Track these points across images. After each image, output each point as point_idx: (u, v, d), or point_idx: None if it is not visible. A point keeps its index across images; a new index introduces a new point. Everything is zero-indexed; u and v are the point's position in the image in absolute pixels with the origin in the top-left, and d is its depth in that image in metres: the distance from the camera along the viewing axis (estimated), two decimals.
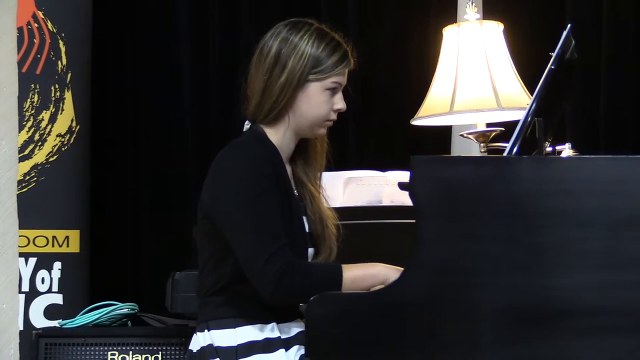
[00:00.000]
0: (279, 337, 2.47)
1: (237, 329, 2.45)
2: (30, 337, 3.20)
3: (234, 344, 2.44)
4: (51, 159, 4.19)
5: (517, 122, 2.40)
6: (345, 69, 2.57)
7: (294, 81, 2.52)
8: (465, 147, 4.23)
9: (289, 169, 2.61)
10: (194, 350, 2.52)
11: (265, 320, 2.46)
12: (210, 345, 2.47)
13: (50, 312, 4.11)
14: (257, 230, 2.39)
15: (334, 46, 2.55)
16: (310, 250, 2.59)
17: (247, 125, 2.61)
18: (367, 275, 2.38)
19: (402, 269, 2.37)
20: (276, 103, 2.53)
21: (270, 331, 2.46)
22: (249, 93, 2.59)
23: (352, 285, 2.37)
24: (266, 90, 2.54)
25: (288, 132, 2.58)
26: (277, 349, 2.45)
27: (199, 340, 2.51)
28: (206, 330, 2.49)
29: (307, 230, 2.58)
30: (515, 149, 2.29)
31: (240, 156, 2.47)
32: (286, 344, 2.47)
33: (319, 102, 2.54)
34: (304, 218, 2.59)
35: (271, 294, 2.37)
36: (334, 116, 2.59)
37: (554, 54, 2.48)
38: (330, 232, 2.62)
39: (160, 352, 3.17)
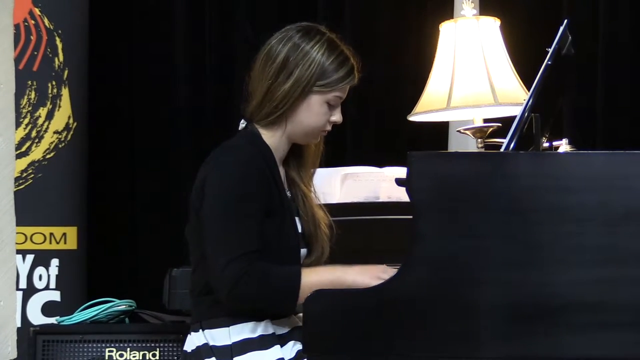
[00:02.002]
0: (274, 333, 2.47)
1: (231, 327, 2.45)
2: (27, 334, 3.19)
3: (229, 342, 2.44)
4: (48, 156, 4.19)
5: (514, 117, 2.41)
6: (348, 85, 2.57)
7: (298, 90, 2.51)
8: (462, 143, 4.23)
9: (282, 170, 2.61)
10: (189, 351, 2.52)
11: (259, 318, 2.46)
12: (206, 345, 2.47)
13: (48, 309, 4.11)
14: (226, 233, 2.40)
15: (342, 60, 2.55)
16: (303, 251, 2.59)
17: (242, 124, 2.61)
18: (325, 281, 2.35)
19: (362, 266, 2.40)
20: (276, 108, 2.53)
21: (265, 328, 2.46)
22: (251, 91, 2.59)
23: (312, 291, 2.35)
24: (268, 93, 2.53)
25: (284, 136, 2.58)
26: (272, 346, 2.44)
27: (194, 340, 2.51)
28: (200, 330, 2.49)
29: (299, 230, 2.58)
30: (512, 145, 2.29)
31: (230, 159, 2.47)
32: (281, 340, 2.47)
33: (318, 113, 2.55)
34: (297, 219, 2.59)
35: (226, 297, 2.38)
36: (329, 127, 2.60)
37: (550, 50, 2.48)
38: (323, 233, 2.62)
39: (157, 349, 3.17)
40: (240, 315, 2.45)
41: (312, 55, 2.51)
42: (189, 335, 2.54)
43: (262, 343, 2.44)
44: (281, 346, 2.45)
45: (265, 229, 2.45)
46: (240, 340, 2.44)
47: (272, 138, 2.57)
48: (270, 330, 2.46)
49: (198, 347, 2.48)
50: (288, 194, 2.61)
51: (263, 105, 2.54)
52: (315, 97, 2.53)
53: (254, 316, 2.45)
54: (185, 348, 2.55)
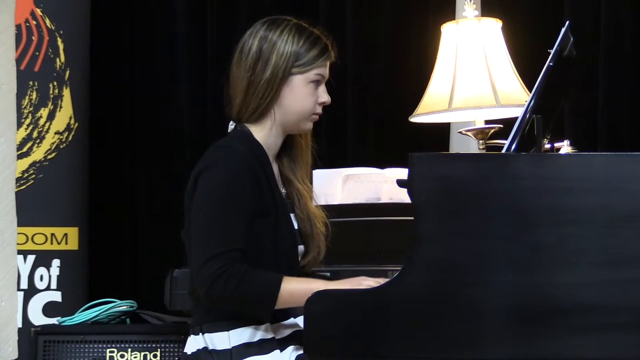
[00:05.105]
0: (274, 337, 2.46)
1: (230, 331, 2.45)
2: (29, 335, 3.20)
3: (228, 346, 2.44)
4: (49, 157, 4.19)
5: (515, 119, 2.40)
6: (326, 61, 2.58)
7: (279, 75, 2.52)
8: (464, 144, 4.23)
9: (275, 167, 2.61)
10: (189, 353, 2.51)
11: (258, 321, 2.46)
12: (205, 348, 2.47)
13: (49, 309, 4.11)
14: (210, 231, 2.40)
15: (314, 40, 2.56)
16: (301, 248, 2.59)
17: (231, 125, 2.61)
18: (306, 290, 2.28)
19: (345, 279, 2.42)
20: (262, 99, 2.54)
21: (264, 332, 2.46)
22: (232, 93, 2.59)
23: (290, 299, 2.36)
24: (250, 87, 2.54)
25: (274, 128, 2.57)
26: (272, 350, 2.44)
27: (194, 343, 2.50)
28: (200, 334, 2.48)
29: (295, 227, 2.58)
30: (513, 146, 2.29)
31: (220, 159, 2.47)
32: (281, 344, 2.46)
33: (304, 95, 2.55)
34: (292, 216, 2.59)
35: (205, 293, 2.38)
36: (319, 109, 2.60)
37: (552, 51, 2.48)
38: (319, 231, 2.62)
39: (158, 349, 3.17)
40: (240, 320, 2.44)
41: (283, 40, 2.54)
42: (189, 337, 2.53)
43: (262, 348, 2.44)
44: (281, 351, 2.45)
45: (259, 228, 2.45)
46: (240, 345, 2.44)
47: (262, 132, 2.57)
48: (270, 335, 2.46)
49: (198, 350, 2.48)
50: (283, 190, 2.60)
51: (248, 100, 2.55)
52: (297, 78, 2.54)
53: (253, 320, 2.45)
54: (185, 350, 2.54)
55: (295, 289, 2.34)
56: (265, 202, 2.47)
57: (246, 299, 2.38)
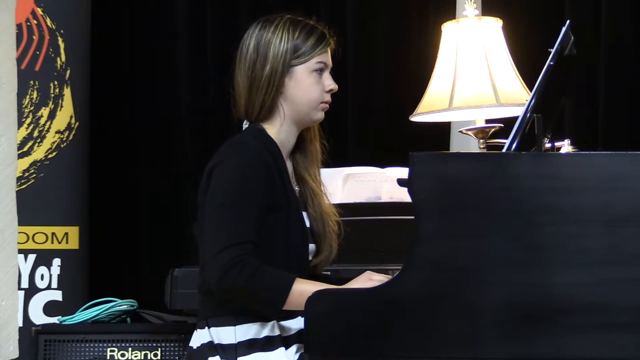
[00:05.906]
0: (279, 335, 2.46)
1: (237, 326, 2.45)
2: (29, 334, 3.20)
3: (234, 341, 2.44)
4: (50, 156, 4.20)
5: (516, 118, 2.40)
6: (326, 48, 2.59)
7: (279, 69, 2.53)
8: (464, 144, 4.23)
9: (289, 165, 2.61)
10: (194, 347, 2.51)
11: (265, 318, 2.46)
12: (211, 342, 2.47)
13: (50, 308, 4.11)
14: (224, 223, 2.39)
15: (309, 30, 2.58)
16: (312, 246, 2.59)
17: (245, 124, 2.62)
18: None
19: (354, 283, 2.42)
20: (267, 95, 2.54)
21: (271, 329, 2.46)
22: (237, 98, 2.60)
23: (300, 299, 2.31)
24: (253, 85, 2.55)
25: (285, 124, 2.58)
26: (277, 347, 2.44)
27: (200, 337, 2.50)
28: (206, 328, 2.49)
29: (307, 225, 2.58)
30: (514, 146, 2.29)
31: (235, 154, 2.48)
32: (286, 342, 2.46)
33: (309, 84, 2.56)
34: (305, 214, 2.59)
35: (215, 284, 2.37)
36: (327, 97, 2.60)
37: (552, 50, 2.48)
38: (331, 230, 2.61)
39: (159, 349, 3.17)
40: (247, 315, 2.45)
41: (278, 35, 2.55)
42: (195, 331, 2.54)
43: (267, 344, 2.44)
44: (286, 348, 2.45)
45: (271, 223, 2.45)
46: (246, 341, 2.44)
47: (274, 129, 2.58)
48: (276, 332, 2.46)
49: (203, 345, 2.48)
50: (296, 188, 2.61)
51: (253, 99, 2.56)
52: (299, 69, 2.55)
53: (261, 315, 2.45)
54: (190, 344, 2.54)
55: (307, 290, 2.30)
56: (277, 198, 2.48)
57: (257, 293, 2.37)
